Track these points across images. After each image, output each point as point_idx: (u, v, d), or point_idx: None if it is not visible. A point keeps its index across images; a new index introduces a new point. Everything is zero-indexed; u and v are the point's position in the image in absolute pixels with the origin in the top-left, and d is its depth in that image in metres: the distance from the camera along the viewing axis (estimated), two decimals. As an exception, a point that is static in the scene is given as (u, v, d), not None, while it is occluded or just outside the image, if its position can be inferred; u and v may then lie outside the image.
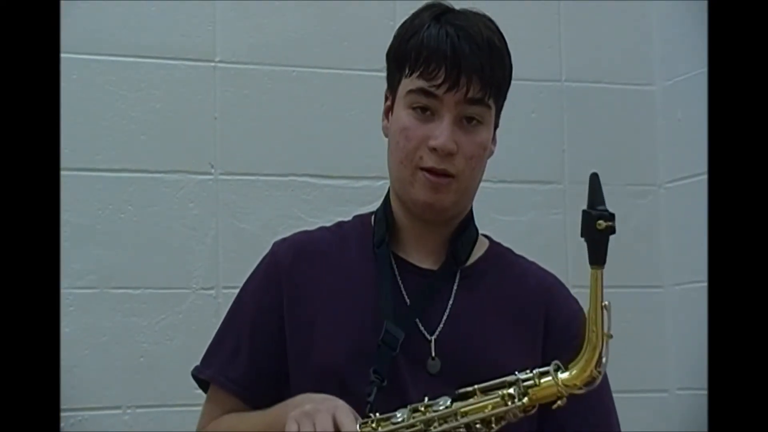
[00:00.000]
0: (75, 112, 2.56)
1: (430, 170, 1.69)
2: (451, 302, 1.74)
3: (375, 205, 1.86)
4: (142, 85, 2.65)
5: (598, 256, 1.49)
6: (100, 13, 2.63)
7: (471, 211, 1.80)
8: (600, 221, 1.47)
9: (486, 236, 1.85)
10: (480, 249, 1.81)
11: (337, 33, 2.80)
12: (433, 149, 1.68)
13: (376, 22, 2.78)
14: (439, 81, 1.67)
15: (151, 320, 2.60)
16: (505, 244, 1.86)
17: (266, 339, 1.76)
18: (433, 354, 1.70)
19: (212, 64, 2.71)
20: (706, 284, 1.62)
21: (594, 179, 1.49)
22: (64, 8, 1.62)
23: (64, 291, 2.48)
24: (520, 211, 2.89)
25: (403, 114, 1.71)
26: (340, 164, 2.76)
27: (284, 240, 1.84)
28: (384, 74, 1.80)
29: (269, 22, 2.76)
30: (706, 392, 1.57)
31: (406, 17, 1.78)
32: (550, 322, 1.75)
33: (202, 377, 1.82)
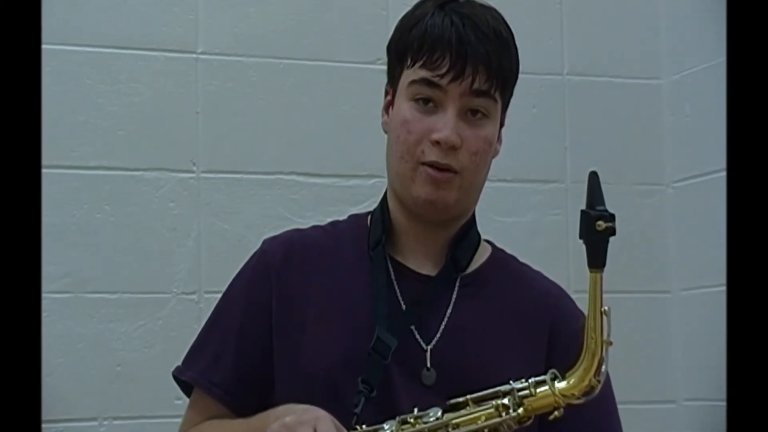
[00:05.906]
0: (50, 106, 2.52)
1: (432, 165, 1.69)
2: (449, 311, 1.74)
3: (366, 205, 1.87)
4: (121, 77, 2.65)
5: (597, 259, 1.49)
6: (77, 3, 2.63)
7: (473, 215, 1.80)
8: (599, 222, 1.47)
9: (489, 242, 1.85)
10: (482, 255, 1.81)
11: (326, 23, 2.80)
12: (436, 142, 1.68)
13: (368, 13, 2.79)
14: (443, 70, 1.67)
15: (129, 327, 2.59)
16: (504, 247, 1.86)
17: (253, 341, 1.75)
18: (429, 364, 1.70)
19: (194, 55, 2.71)
20: (715, 289, 1.63)
21: (593, 178, 1.50)
22: (42, -3, 1.63)
23: (37, 296, 2.48)
24: (520, 212, 2.89)
25: (404, 106, 1.72)
26: (329, 162, 2.76)
27: (275, 237, 1.84)
28: (377, 67, 1.82)
29: (254, 12, 2.76)
30: (714, 403, 1.57)
31: (401, 7, 1.79)
32: (556, 336, 1.75)
33: (183, 379, 1.80)
